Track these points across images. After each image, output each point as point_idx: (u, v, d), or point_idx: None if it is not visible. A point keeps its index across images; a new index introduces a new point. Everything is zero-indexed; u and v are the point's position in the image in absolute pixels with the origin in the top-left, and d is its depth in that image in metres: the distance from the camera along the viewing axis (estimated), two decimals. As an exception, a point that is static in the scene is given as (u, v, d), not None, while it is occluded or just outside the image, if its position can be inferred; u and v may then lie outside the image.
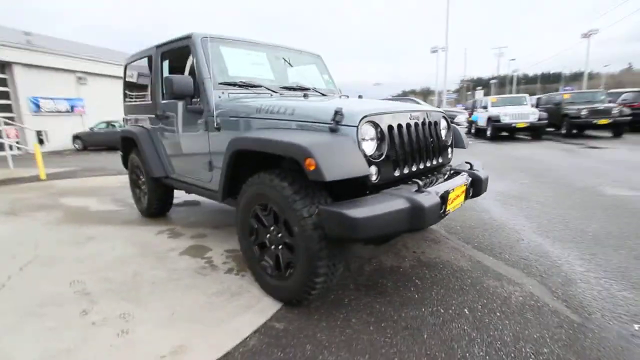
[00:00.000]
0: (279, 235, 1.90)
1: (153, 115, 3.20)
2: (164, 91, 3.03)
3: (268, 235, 1.99)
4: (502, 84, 46.57)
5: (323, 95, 3.05)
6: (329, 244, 1.67)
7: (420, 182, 1.78)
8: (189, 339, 1.66)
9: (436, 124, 2.31)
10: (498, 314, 1.82)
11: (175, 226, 3.38)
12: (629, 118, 10.33)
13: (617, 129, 10.52)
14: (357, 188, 1.82)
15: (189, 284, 2.22)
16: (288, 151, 1.66)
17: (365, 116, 1.78)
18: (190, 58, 2.89)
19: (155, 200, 3.49)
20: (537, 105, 13.69)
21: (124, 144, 3.81)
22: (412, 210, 1.64)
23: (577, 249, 2.59)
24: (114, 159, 10.19)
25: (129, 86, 3.77)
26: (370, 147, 1.79)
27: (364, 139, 1.76)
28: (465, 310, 1.86)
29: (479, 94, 47.60)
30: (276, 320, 1.81)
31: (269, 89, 2.73)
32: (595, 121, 10.39)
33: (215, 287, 2.17)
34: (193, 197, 4.34)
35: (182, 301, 2.01)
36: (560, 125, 11.73)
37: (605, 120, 10.30)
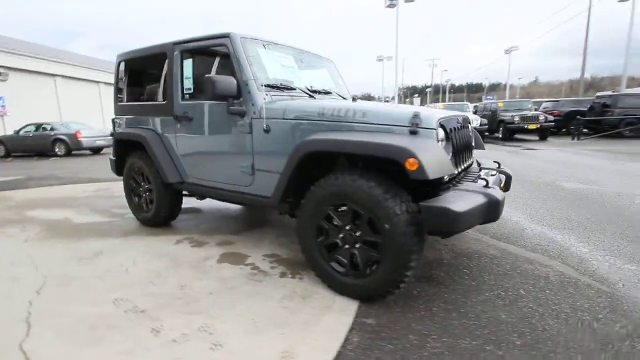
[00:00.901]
0: (358, 234, 1.95)
1: (168, 117, 2.98)
2: (182, 91, 2.85)
3: (341, 236, 2.02)
4: (437, 92, 51.09)
5: (344, 98, 3.14)
6: (420, 239, 1.78)
7: (488, 179, 1.98)
8: (288, 344, 1.63)
9: (468, 127, 2.56)
10: (548, 291, 2.09)
11: (191, 235, 3.17)
12: (552, 124, 12.15)
13: (544, 133, 12.29)
14: (431, 186, 1.96)
15: (249, 291, 2.14)
16: (387, 152, 1.73)
17: (440, 119, 1.93)
18: (216, 58, 2.80)
19: (166, 208, 3.23)
20: (475, 112, 15.36)
21: (120, 148, 3.47)
22: (489, 205, 1.82)
23: (573, 234, 3.04)
24: (60, 166, 9.04)
25: (126, 85, 3.45)
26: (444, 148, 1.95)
27: (439, 141, 1.91)
28: (522, 291, 2.10)
29: (417, 101, 51.27)
30: (363, 317, 1.86)
31: (304, 92, 2.74)
32: (526, 126, 12.01)
33: (279, 292, 2.12)
34: (193, 204, 4.09)
35: (254, 308, 1.94)
36: (497, 130, 13.31)
37: (534, 125, 11.97)
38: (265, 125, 2.36)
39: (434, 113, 1.98)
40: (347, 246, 2.01)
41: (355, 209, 1.91)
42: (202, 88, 2.73)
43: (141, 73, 3.44)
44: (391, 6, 17.21)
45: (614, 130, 12.64)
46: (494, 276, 2.29)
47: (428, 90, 49.98)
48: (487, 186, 1.95)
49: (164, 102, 3.02)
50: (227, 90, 2.34)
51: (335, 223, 2.03)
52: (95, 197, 4.90)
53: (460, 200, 1.72)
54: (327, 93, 3.02)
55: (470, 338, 1.66)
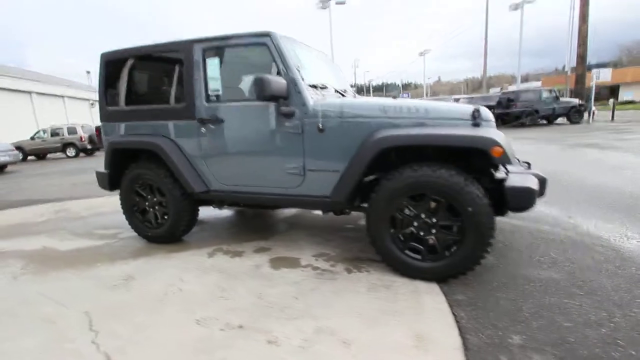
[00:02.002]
0: (433, 220, 2.12)
1: (188, 121, 2.74)
2: (206, 92, 2.66)
3: (415, 224, 2.17)
4: (360, 91, 54.29)
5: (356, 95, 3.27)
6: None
7: (528, 162, 2.33)
8: (411, 328, 1.73)
9: None
10: (570, 251, 2.53)
11: (216, 245, 2.97)
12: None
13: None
14: (489, 170, 2.23)
15: (331, 289, 2.15)
16: (473, 142, 1.93)
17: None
18: (244, 57, 2.69)
19: (185, 221, 2.96)
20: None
21: (115, 159, 3.06)
22: (540, 183, 2.16)
23: (554, 208, 3.66)
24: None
25: (120, 87, 3.04)
26: None
27: None
28: (552, 254, 2.51)
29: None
30: (452, 294, 2.03)
31: (337, 91, 2.81)
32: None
33: (360, 285, 2.18)
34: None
35: (351, 303, 1.98)
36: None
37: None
38: (320, 125, 2.37)
39: (483, 108, 2.25)
40: (421, 233, 2.17)
41: (434, 197, 2.08)
42: (235, 88, 2.61)
43: (141, 73, 3.07)
44: (323, 7, 17.78)
45: (518, 121, 15.13)
46: (524, 247, 2.68)
47: (352, 88, 52.75)
48: (529, 167, 2.29)
49: (182, 105, 2.77)
50: (278, 90, 2.29)
51: (408, 212, 2.17)
52: (58, 219, 4.18)
53: (528, 181, 2.01)
54: (344, 90, 3.12)
55: (548, 296, 1.97)
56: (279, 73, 2.44)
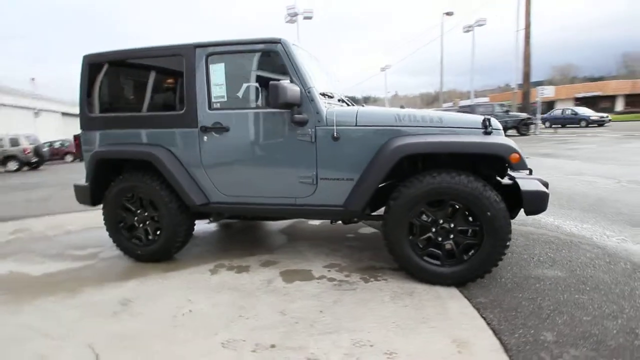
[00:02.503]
0: (452, 225, 2.16)
1: (188, 129, 2.58)
2: (209, 99, 2.53)
3: (433, 229, 2.20)
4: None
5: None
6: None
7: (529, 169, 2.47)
8: (448, 334, 1.72)
9: None
10: (564, 251, 2.71)
11: (217, 261, 2.78)
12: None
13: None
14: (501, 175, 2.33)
15: (355, 300, 2.10)
16: (493, 149, 2.02)
17: None
18: (251, 64, 2.61)
19: (182, 235, 2.75)
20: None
21: (99, 171, 2.79)
22: (546, 186, 2.31)
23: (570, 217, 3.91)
24: None
25: (105, 91, 2.80)
26: None
27: None
28: (549, 254, 2.67)
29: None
30: (474, 298, 2.07)
31: (341, 100, 2.81)
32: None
33: (382, 294, 2.15)
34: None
35: (381, 313, 1.94)
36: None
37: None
38: (335, 133, 2.34)
39: (492, 117, 2.37)
40: (439, 238, 2.21)
41: (452, 202, 2.13)
42: (242, 95, 2.52)
43: (132, 78, 2.85)
44: (291, 22, 17.96)
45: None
46: (521, 248, 2.83)
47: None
48: (530, 173, 2.44)
49: (181, 112, 2.61)
50: (293, 97, 2.24)
51: (426, 218, 2.20)
52: (21, 240, 3.69)
53: (539, 185, 2.13)
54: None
55: (560, 293, 2.07)
56: (292, 81, 2.38)
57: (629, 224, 3.26)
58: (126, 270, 2.71)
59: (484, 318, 1.86)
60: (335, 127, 2.35)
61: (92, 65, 2.81)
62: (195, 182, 2.65)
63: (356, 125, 2.35)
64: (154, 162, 2.60)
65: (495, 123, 2.28)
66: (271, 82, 2.25)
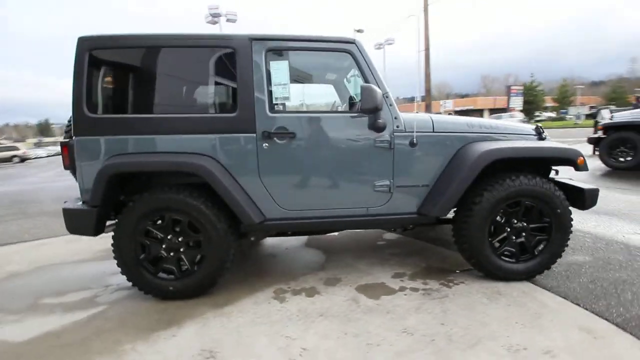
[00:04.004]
0: (524, 224, 2.34)
1: (242, 134, 2.18)
2: (270, 100, 2.20)
3: (508, 229, 2.34)
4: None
5: None
6: None
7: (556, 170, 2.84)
8: (572, 326, 1.85)
9: None
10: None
11: (271, 285, 2.41)
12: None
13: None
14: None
15: (459, 307, 2.08)
16: (565, 154, 2.24)
17: None
18: (320, 64, 2.39)
19: (230, 260, 2.29)
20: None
21: (111, 189, 2.14)
22: None
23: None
24: None
25: (115, 85, 2.16)
26: None
27: None
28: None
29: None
30: (552, 288, 2.26)
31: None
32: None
33: (477, 297, 2.18)
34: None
35: (493, 315, 1.96)
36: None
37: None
38: (414, 139, 2.29)
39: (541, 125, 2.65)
40: (513, 237, 2.36)
41: (527, 202, 2.30)
42: (312, 97, 2.25)
43: (156, 71, 2.22)
44: (212, 22, 16.73)
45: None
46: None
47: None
48: (557, 174, 2.81)
49: (232, 115, 2.19)
50: (380, 102, 2.12)
51: (500, 219, 2.33)
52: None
53: (591, 185, 2.46)
54: None
55: (607, 272, 2.43)
56: (366, 81, 2.24)
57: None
58: (161, 314, 2.13)
59: (578, 304, 2.07)
60: (414, 133, 2.30)
61: (95, 52, 2.14)
62: (249, 197, 2.26)
63: (433, 132, 2.35)
64: (204, 175, 2.12)
65: (544, 130, 2.57)
66: (363, 85, 2.09)
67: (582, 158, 2.32)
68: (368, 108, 2.10)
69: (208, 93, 2.29)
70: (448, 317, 1.98)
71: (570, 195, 2.38)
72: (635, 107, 11.90)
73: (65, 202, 2.37)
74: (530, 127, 2.58)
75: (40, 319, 2.14)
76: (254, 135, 2.21)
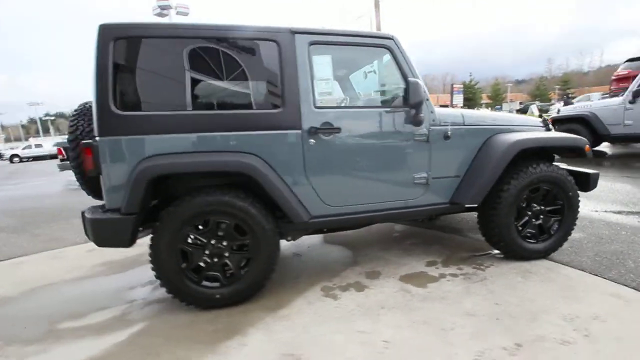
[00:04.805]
0: (542, 207, 2.58)
1: (287, 131, 2.11)
2: (314, 95, 2.16)
3: (529, 212, 2.57)
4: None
5: None
6: None
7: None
8: (609, 295, 2.09)
9: None
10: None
11: (314, 284, 2.37)
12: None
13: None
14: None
15: (502, 288, 2.23)
16: (577, 143, 2.50)
17: None
18: (360, 59, 2.39)
19: (274, 264, 2.20)
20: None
21: (149, 193, 1.95)
22: None
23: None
24: None
25: (144, 80, 1.96)
26: None
27: None
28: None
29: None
30: (568, 263, 2.53)
31: None
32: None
33: (511, 277, 2.36)
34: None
35: (536, 291, 2.15)
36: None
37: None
38: (448, 132, 2.41)
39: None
40: (534, 219, 2.59)
41: (545, 187, 2.54)
42: (354, 91, 2.25)
43: (191, 63, 2.02)
44: (160, 15, 15.50)
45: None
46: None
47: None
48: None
49: (277, 110, 2.11)
50: (425, 96, 2.20)
51: (523, 204, 2.55)
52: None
53: (593, 170, 2.77)
54: None
55: (609, 244, 2.77)
56: (405, 79, 2.30)
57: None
58: (213, 324, 1.99)
59: (596, 275, 2.34)
60: (449, 126, 2.42)
61: (120, 41, 1.92)
62: (294, 195, 2.20)
63: (464, 125, 2.49)
64: (254, 174, 2.02)
65: (547, 123, 2.85)
66: (411, 80, 2.16)
67: (588, 146, 2.63)
68: (416, 102, 2.16)
69: (250, 88, 2.17)
70: (497, 297, 2.12)
71: (576, 179, 2.68)
72: (566, 103, 13.57)
73: (84, 212, 2.09)
74: (538, 120, 2.85)
75: (71, 345, 1.88)
76: (300, 131, 2.15)
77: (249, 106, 2.17)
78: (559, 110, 7.53)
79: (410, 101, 2.16)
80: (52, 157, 27.40)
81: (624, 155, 7.50)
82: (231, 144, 2.06)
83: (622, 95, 6.42)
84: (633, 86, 6.12)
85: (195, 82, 2.05)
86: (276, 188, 2.07)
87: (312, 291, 2.32)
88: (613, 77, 8.60)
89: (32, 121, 58.95)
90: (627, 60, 8.50)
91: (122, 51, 1.93)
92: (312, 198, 2.25)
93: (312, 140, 2.18)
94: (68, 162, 9.40)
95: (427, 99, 2.37)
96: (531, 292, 2.16)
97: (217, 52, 2.07)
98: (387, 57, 2.34)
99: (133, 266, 2.99)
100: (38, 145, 28.89)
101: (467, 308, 2.02)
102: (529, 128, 2.74)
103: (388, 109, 2.30)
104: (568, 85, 43.37)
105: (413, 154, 2.39)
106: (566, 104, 12.26)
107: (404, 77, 2.31)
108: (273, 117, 2.12)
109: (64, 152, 9.37)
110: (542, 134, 2.69)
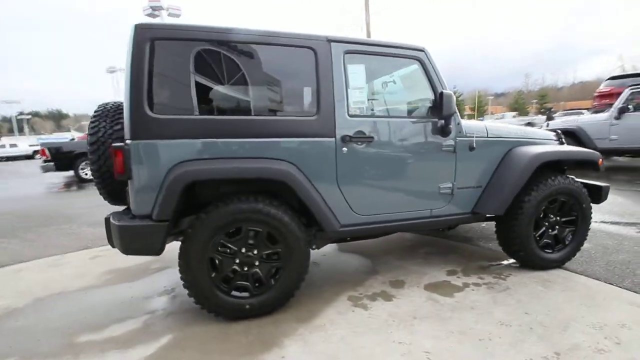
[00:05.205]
0: (558, 218, 2.66)
1: (321, 138, 2.10)
2: (348, 103, 2.16)
3: (546, 223, 2.64)
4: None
5: None
6: None
7: None
8: (624, 301, 2.17)
9: None
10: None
11: (341, 295, 2.34)
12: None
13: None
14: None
15: (525, 298, 2.28)
16: (592, 156, 2.60)
17: None
18: (391, 69, 2.42)
19: (305, 273, 2.17)
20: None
21: (178, 199, 1.88)
22: None
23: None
24: None
25: (182, 83, 1.90)
26: None
27: None
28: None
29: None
30: (583, 273, 2.61)
31: None
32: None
33: (532, 287, 2.41)
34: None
35: (559, 300, 2.20)
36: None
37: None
38: (474, 143, 2.46)
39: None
40: (550, 230, 2.67)
41: (563, 200, 2.62)
42: (388, 101, 2.27)
43: (227, 68, 1.98)
44: (152, 15, 15.18)
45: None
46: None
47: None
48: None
49: (313, 118, 2.09)
50: (455, 108, 2.25)
51: (541, 215, 2.63)
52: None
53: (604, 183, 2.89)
54: None
55: (611, 256, 2.89)
56: (434, 90, 2.34)
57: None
58: (246, 336, 1.92)
59: (611, 284, 2.43)
60: (474, 138, 2.47)
61: (158, 43, 1.87)
62: (326, 203, 2.18)
63: (487, 137, 2.55)
64: (289, 181, 1.99)
65: (560, 136, 2.96)
66: (446, 92, 2.19)
67: (601, 160, 2.74)
68: (449, 114, 2.20)
69: (286, 94, 2.16)
70: (525, 306, 2.16)
71: (589, 191, 2.78)
72: (549, 117, 14.14)
73: (110, 218, 2.00)
74: (551, 134, 2.96)
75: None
76: (333, 139, 2.15)
77: (284, 112, 2.15)
78: (548, 125, 7.84)
79: (443, 113, 2.20)
80: (28, 157, 26.29)
81: (608, 169, 7.88)
82: (266, 151, 2.03)
83: (607, 111, 6.77)
84: (618, 103, 6.47)
85: (231, 86, 2.02)
86: (311, 196, 2.05)
87: (340, 301, 2.29)
88: (596, 94, 9.06)
89: (6, 120, 56.22)
90: (609, 78, 8.99)
91: (158, 53, 1.88)
92: (342, 206, 2.24)
93: (344, 149, 2.17)
94: (52, 163, 9.07)
95: (455, 111, 2.42)
96: (555, 301, 2.22)
97: (254, 57, 2.05)
98: (414, 67, 2.38)
99: (142, 275, 2.87)
100: (13, 145, 27.57)
101: (498, 318, 2.04)
102: (545, 141, 2.84)
103: (419, 120, 2.33)
104: (545, 99, 45.39)
105: (440, 164, 2.42)
106: (549, 118, 12.79)
107: (434, 88, 2.36)
108: (307, 125, 2.11)
109: (47, 152, 9.00)
110: (560, 147, 2.79)
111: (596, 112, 8.39)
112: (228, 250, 2.03)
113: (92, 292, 2.59)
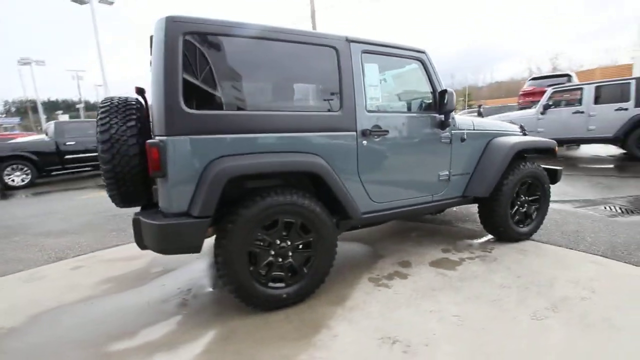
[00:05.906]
0: (527, 197, 3.16)
1: (343, 132, 2.24)
2: (366, 99, 2.33)
3: (518, 202, 3.12)
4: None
5: None
6: None
7: None
8: (586, 261, 2.68)
9: None
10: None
11: (361, 277, 2.51)
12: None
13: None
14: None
15: (511, 264, 2.69)
16: (551, 145, 3.11)
17: None
18: (397, 69, 2.63)
19: (332, 260, 2.29)
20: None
21: (219, 194, 1.89)
22: None
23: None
24: None
25: (219, 79, 1.89)
26: None
27: None
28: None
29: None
30: (547, 242, 3.14)
31: None
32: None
33: (514, 256, 2.84)
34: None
35: (540, 263, 2.64)
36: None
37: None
38: (465, 135, 2.80)
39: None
40: (522, 209, 3.15)
41: (530, 182, 3.11)
42: (397, 98, 2.47)
43: (259, 64, 1.97)
44: (80, 2, 13.37)
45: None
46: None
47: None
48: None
49: (337, 113, 2.22)
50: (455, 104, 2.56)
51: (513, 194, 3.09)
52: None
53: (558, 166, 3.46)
54: None
55: (570, 226, 3.49)
56: (433, 89, 2.62)
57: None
58: (290, 323, 2.00)
59: (571, 249, 2.96)
60: (465, 130, 2.81)
61: (191, 37, 1.83)
62: (349, 192, 2.34)
63: (474, 130, 2.91)
64: (322, 173, 2.10)
65: (521, 128, 3.48)
66: (449, 90, 2.47)
67: (556, 148, 3.30)
68: (450, 109, 2.49)
69: (314, 90, 2.24)
70: (515, 271, 2.56)
71: (548, 174, 3.33)
72: (479, 113, 15.82)
73: (139, 218, 1.90)
74: (516, 126, 3.46)
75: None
76: (354, 133, 2.30)
77: (312, 108, 2.24)
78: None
79: (445, 108, 2.49)
80: None
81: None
82: (297, 145, 2.11)
83: (534, 108, 7.91)
84: (543, 101, 7.61)
85: (263, 82, 2.05)
86: (340, 186, 2.18)
87: (362, 283, 2.47)
88: (520, 92, 10.49)
89: None
90: (531, 79, 10.48)
91: (192, 47, 1.84)
92: (362, 195, 2.41)
93: (364, 142, 2.34)
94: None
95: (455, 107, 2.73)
96: (536, 265, 2.66)
97: (283, 54, 2.10)
98: (414, 66, 2.64)
99: (146, 280, 2.72)
100: None
101: (499, 282, 2.40)
102: (514, 133, 3.33)
103: (422, 114, 2.60)
104: (470, 97, 50.48)
105: (440, 154, 2.73)
106: (479, 114, 14.41)
107: (433, 86, 2.64)
108: (333, 119, 2.23)
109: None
110: (529, 137, 3.29)
111: (522, 108, 9.71)
112: (264, 243, 2.08)
113: (97, 303, 2.40)
